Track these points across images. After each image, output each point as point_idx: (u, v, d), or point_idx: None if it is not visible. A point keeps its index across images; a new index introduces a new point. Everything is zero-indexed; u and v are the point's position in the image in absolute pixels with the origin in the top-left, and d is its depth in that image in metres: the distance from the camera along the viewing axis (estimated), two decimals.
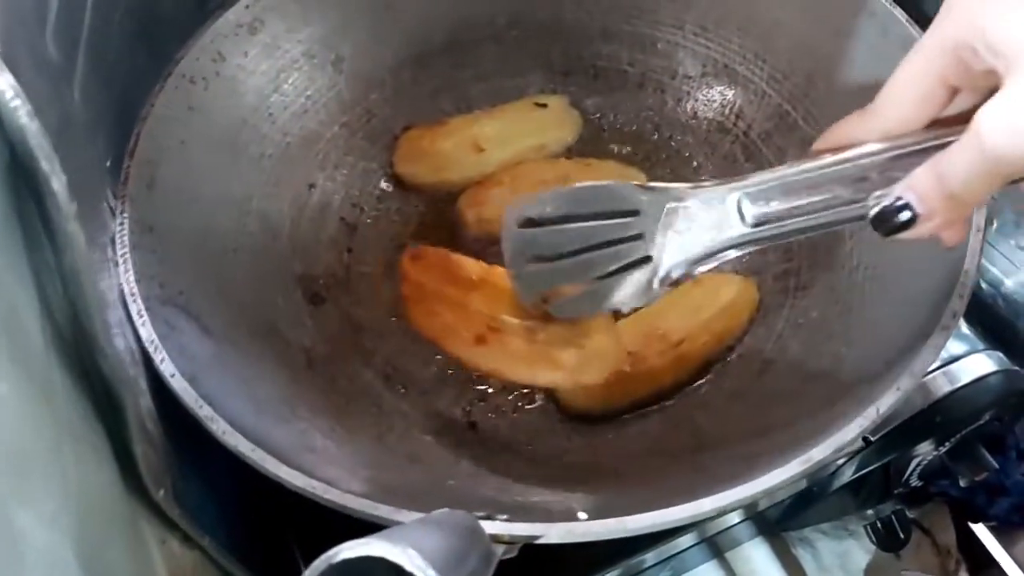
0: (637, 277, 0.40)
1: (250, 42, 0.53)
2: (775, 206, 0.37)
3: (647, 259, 0.40)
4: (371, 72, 0.58)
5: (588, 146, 0.60)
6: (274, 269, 0.52)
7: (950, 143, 0.31)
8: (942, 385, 0.52)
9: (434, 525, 0.32)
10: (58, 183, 0.22)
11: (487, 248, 0.56)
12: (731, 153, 0.58)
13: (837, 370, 0.45)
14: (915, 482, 0.57)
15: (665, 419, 0.49)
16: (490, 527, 0.35)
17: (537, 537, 0.36)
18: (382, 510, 0.37)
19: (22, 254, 0.26)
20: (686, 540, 0.53)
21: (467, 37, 0.60)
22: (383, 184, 0.58)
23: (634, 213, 0.40)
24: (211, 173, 0.50)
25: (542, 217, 0.41)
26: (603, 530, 0.36)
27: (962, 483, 0.56)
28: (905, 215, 0.33)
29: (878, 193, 0.35)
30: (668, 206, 0.39)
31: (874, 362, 0.42)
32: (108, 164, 0.45)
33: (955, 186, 0.31)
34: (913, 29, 0.48)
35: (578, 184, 0.42)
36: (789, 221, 0.37)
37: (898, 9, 0.49)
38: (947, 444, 0.54)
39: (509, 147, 0.58)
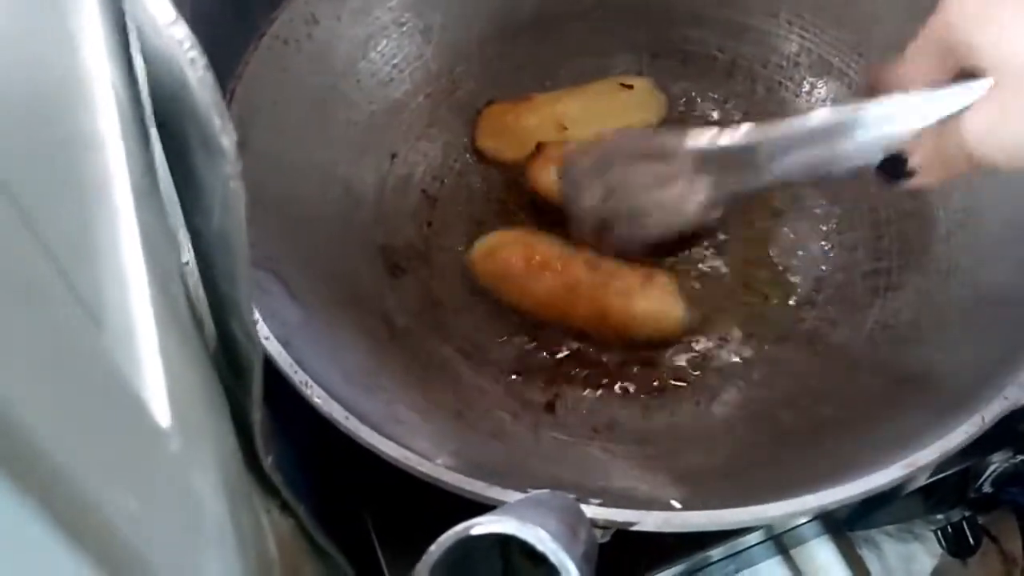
0: (673, 203, 0.47)
1: (343, 6, 0.52)
2: (797, 157, 0.41)
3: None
4: (458, 43, 0.58)
5: None
6: (357, 238, 0.52)
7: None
8: None
9: (542, 505, 0.31)
10: (228, 140, 0.21)
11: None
12: None
13: (933, 374, 0.44)
14: (987, 488, 0.57)
15: (747, 415, 0.48)
16: (587, 511, 0.35)
17: (633, 524, 0.36)
18: (475, 485, 0.36)
19: (163, 217, 0.26)
20: (753, 537, 0.52)
21: (555, 14, 0.59)
22: (464, 158, 0.58)
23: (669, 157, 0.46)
24: (300, 137, 0.50)
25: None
26: (701, 520, 0.36)
27: None
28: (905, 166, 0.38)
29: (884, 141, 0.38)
30: (699, 150, 0.45)
31: (974, 368, 0.42)
32: None
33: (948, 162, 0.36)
34: None
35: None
36: (808, 168, 0.41)
37: None
38: None
39: (592, 127, 0.57)
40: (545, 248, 0.51)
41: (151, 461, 0.17)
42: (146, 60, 0.26)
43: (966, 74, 0.34)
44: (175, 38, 0.21)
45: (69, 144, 0.21)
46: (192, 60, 0.21)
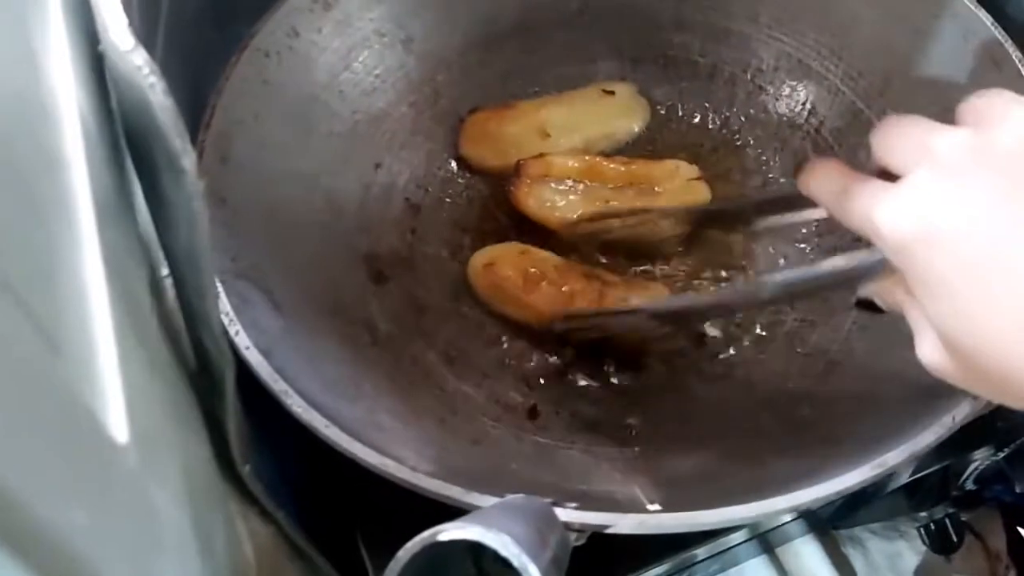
0: None
1: (324, 18, 0.53)
2: None
3: None
4: (440, 53, 0.58)
5: (655, 136, 0.60)
6: (340, 247, 0.52)
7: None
8: None
9: (514, 511, 0.32)
10: (188, 161, 0.22)
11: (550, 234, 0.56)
12: (801, 149, 0.57)
13: (908, 374, 0.44)
14: (970, 486, 0.57)
15: (728, 416, 0.48)
16: (561, 514, 0.36)
17: (607, 526, 0.36)
18: (453, 491, 0.37)
19: (132, 234, 0.27)
20: (738, 536, 0.53)
21: (537, 21, 0.60)
22: (448, 166, 0.58)
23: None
24: (282, 148, 0.51)
25: None
26: (675, 523, 0.36)
27: (1018, 489, 0.56)
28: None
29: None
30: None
31: None
32: None
33: None
34: (996, 32, 0.48)
35: None
36: None
37: (982, 11, 0.48)
38: (1006, 449, 0.54)
39: (576, 134, 0.58)
40: (541, 261, 0.52)
41: (106, 476, 0.18)
42: (113, 82, 0.27)
43: None
44: (134, 64, 0.22)
45: (29, 165, 0.22)
46: (151, 85, 0.22)
